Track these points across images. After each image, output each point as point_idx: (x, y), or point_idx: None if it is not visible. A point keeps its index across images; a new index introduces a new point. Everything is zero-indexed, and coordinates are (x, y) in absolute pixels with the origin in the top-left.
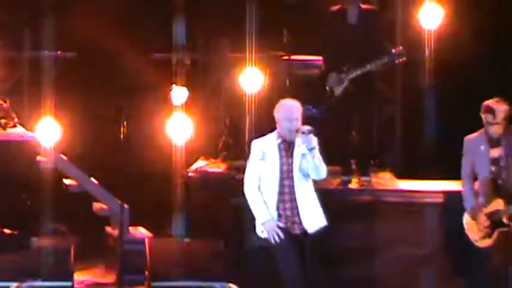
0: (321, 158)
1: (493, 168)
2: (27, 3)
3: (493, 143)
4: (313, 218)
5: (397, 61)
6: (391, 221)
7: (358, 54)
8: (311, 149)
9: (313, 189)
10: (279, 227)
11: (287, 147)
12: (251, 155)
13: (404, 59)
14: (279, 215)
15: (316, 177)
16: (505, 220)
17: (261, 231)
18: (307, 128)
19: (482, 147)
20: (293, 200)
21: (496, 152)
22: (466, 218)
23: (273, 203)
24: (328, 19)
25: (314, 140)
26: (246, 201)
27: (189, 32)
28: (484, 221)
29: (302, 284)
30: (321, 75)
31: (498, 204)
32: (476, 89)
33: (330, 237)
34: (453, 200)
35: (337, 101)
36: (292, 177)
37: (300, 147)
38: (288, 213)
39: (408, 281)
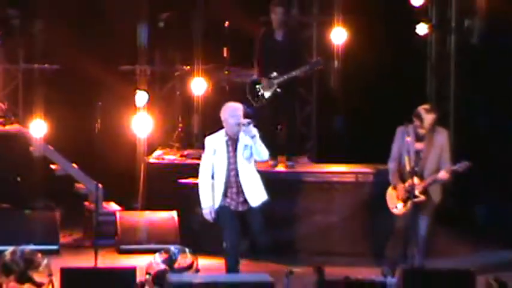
0: (262, 143)
1: (414, 157)
2: (22, 26)
3: (419, 137)
4: (255, 195)
5: (316, 68)
6: (309, 196)
7: (284, 63)
8: (252, 137)
9: (255, 171)
10: (224, 207)
11: (233, 143)
12: (205, 150)
13: (321, 66)
14: (227, 198)
15: (260, 159)
16: (417, 193)
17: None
18: (247, 120)
19: (409, 139)
20: (238, 185)
21: (419, 145)
22: (389, 190)
23: (222, 189)
24: (260, 37)
25: (254, 130)
26: (193, 181)
27: (149, 49)
28: (403, 194)
29: (238, 248)
30: (254, 80)
31: (415, 180)
32: (375, 90)
33: (261, 210)
34: (358, 179)
35: (267, 101)
36: (236, 168)
37: (242, 140)
38: (234, 196)
39: (322, 242)
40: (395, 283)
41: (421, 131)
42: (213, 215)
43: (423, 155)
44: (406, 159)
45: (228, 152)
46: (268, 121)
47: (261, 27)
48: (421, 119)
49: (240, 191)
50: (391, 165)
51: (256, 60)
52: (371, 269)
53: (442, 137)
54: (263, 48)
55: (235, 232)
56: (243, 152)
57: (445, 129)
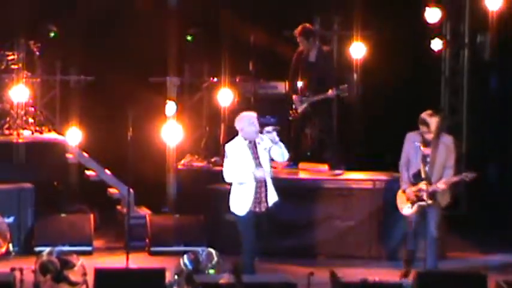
0: (283, 145)
1: (421, 161)
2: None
3: (425, 143)
4: (273, 194)
5: (342, 94)
6: (328, 201)
7: (315, 83)
8: (276, 142)
9: (271, 173)
10: (250, 212)
11: (254, 147)
12: (227, 156)
13: (346, 94)
14: (255, 200)
15: (283, 160)
16: (425, 197)
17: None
18: (271, 127)
19: (417, 144)
20: (263, 185)
21: (426, 150)
22: (399, 193)
23: (252, 190)
24: (295, 56)
25: (276, 136)
26: (219, 186)
27: (178, 61)
28: (411, 196)
29: (256, 246)
30: (287, 96)
31: (422, 185)
32: (392, 101)
33: (282, 214)
34: (375, 185)
35: (298, 115)
36: (262, 168)
37: (262, 143)
38: (259, 195)
39: (340, 245)
40: (410, 285)
41: (429, 136)
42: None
43: (430, 160)
44: (414, 164)
45: (253, 154)
46: (295, 131)
47: (283, 42)
48: (427, 124)
49: (264, 190)
50: (402, 170)
51: (290, 77)
52: (387, 271)
53: (447, 142)
54: (296, 67)
55: (254, 235)
56: (269, 153)
57: (450, 135)
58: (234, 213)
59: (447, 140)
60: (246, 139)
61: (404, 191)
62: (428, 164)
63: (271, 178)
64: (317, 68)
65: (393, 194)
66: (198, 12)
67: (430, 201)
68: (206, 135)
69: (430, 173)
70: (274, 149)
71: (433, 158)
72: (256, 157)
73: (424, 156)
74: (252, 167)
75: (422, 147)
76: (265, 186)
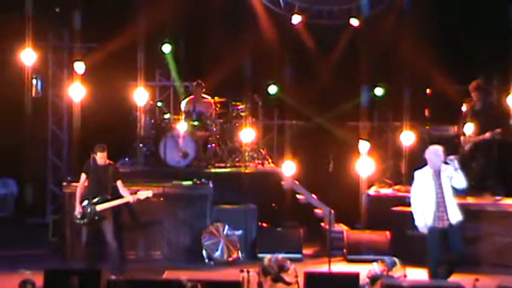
0: (462, 173)
1: None
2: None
3: None
4: (455, 214)
5: (495, 138)
6: (490, 221)
7: (480, 128)
8: (456, 169)
9: (453, 197)
10: (433, 227)
11: (437, 174)
12: (414, 182)
13: (500, 137)
14: (437, 218)
15: (460, 187)
16: None
17: (417, 227)
18: (452, 156)
19: None
20: (444, 206)
21: None
22: None
23: (433, 210)
24: (466, 105)
25: (456, 163)
26: (402, 208)
27: (369, 109)
28: None
29: (442, 260)
30: (457, 137)
31: None
32: None
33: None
34: None
35: (465, 152)
36: (443, 192)
37: (444, 172)
38: (440, 214)
39: (500, 256)
40: None
41: None
42: (426, 229)
43: None
44: None
45: (435, 181)
46: (466, 165)
47: (453, 94)
48: None
49: (444, 211)
50: None
51: (460, 122)
52: None
53: None
54: (466, 114)
55: (439, 249)
56: (450, 181)
57: None
58: (420, 229)
59: None
60: (431, 168)
61: None
62: None
63: (454, 199)
64: (481, 115)
65: None
66: (383, 71)
67: None
68: (391, 168)
69: None
70: (454, 178)
71: None
72: (438, 183)
73: None
74: (433, 192)
75: None
76: (445, 206)
